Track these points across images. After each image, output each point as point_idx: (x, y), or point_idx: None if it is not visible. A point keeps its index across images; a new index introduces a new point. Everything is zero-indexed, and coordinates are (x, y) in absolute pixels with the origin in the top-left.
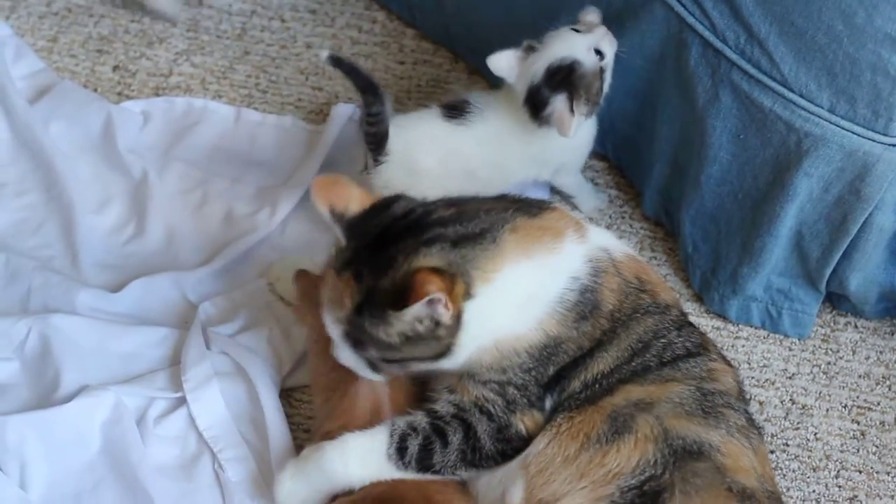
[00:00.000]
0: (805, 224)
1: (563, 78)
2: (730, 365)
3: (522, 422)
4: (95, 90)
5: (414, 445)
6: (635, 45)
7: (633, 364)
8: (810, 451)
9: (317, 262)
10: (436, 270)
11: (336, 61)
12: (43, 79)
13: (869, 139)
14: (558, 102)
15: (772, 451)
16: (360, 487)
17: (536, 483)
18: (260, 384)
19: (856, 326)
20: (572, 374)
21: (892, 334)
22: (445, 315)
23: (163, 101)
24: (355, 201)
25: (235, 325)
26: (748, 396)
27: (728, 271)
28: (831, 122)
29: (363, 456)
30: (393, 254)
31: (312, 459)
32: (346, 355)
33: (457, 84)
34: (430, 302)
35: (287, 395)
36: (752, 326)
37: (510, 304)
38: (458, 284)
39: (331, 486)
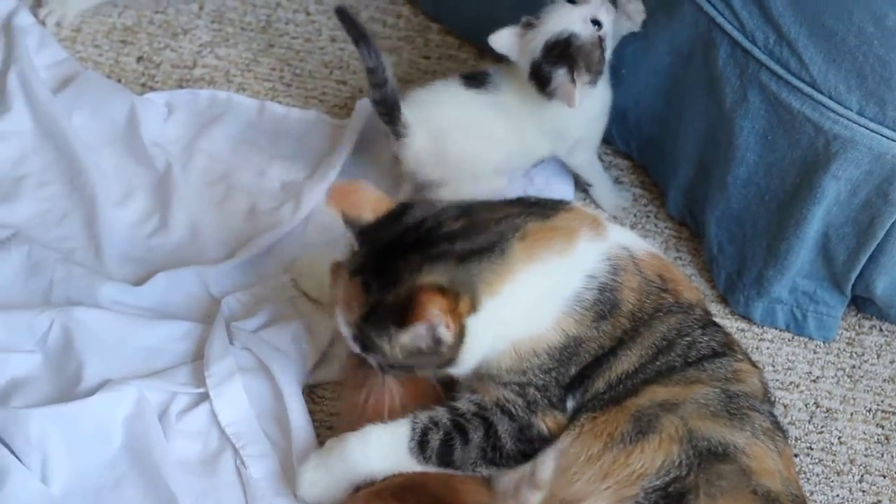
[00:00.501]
0: (832, 227)
1: (562, 52)
2: (755, 366)
3: (544, 422)
4: (119, 81)
5: (435, 440)
6: (665, 43)
7: (658, 363)
8: (834, 455)
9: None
10: (440, 289)
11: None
12: (66, 69)
13: None
14: (559, 76)
15: (795, 455)
16: (383, 478)
17: (559, 483)
18: (283, 380)
19: (881, 330)
20: (595, 374)
21: None
22: (446, 334)
23: (187, 94)
24: (369, 208)
25: (259, 321)
26: (773, 398)
27: (753, 273)
28: (860, 125)
29: (385, 448)
30: (399, 268)
31: (335, 451)
32: (356, 349)
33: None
34: (432, 324)
35: (310, 392)
36: (776, 329)
37: (521, 310)
38: (461, 302)
39: (352, 477)
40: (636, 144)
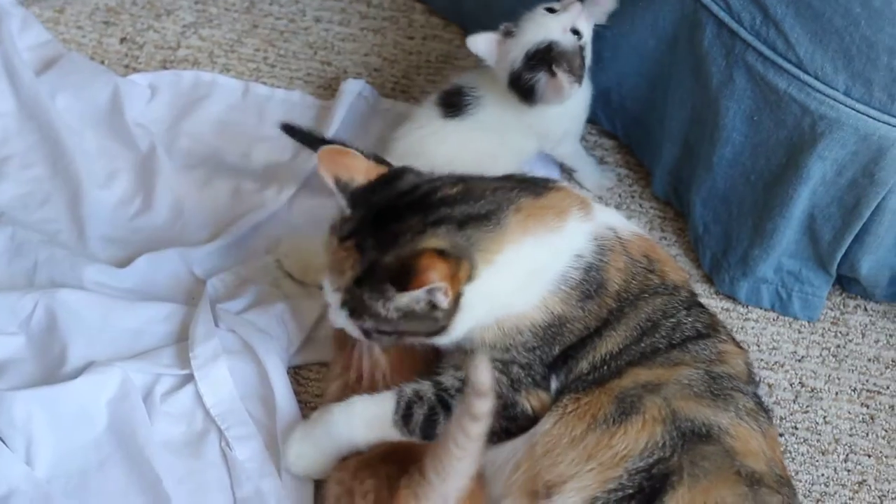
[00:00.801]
0: (817, 207)
1: (542, 58)
2: (740, 347)
3: (528, 401)
4: (102, 62)
5: (419, 414)
6: (648, 25)
7: (643, 345)
8: (819, 434)
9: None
10: (441, 253)
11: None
12: (49, 50)
13: (884, 122)
14: (542, 78)
15: (781, 435)
16: (369, 448)
17: (543, 464)
18: (268, 362)
19: (865, 309)
20: (579, 355)
21: None
22: (443, 300)
23: (170, 75)
24: (361, 173)
25: (243, 302)
26: (758, 379)
27: (739, 253)
28: (846, 105)
29: (369, 419)
30: (398, 231)
31: (320, 422)
32: (340, 320)
33: (465, 61)
34: (431, 288)
35: (295, 373)
36: (761, 308)
37: (511, 284)
38: (462, 268)
39: (338, 449)
40: (621, 124)
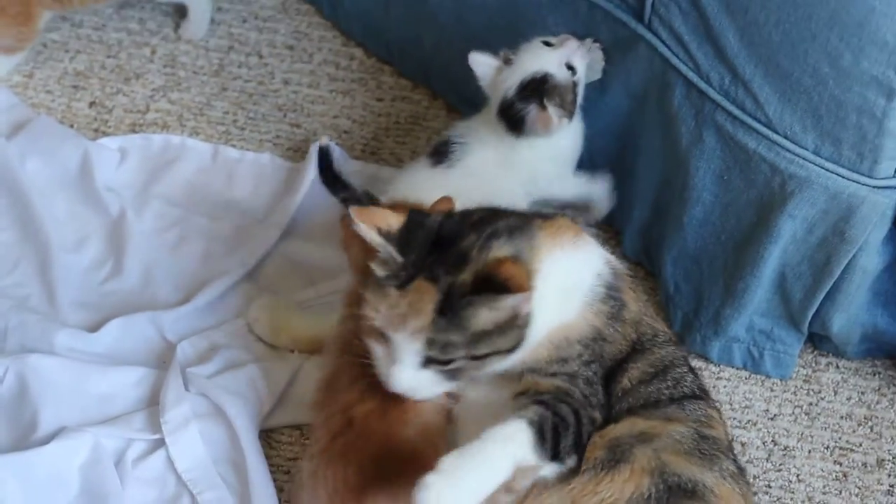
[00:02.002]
0: (788, 265)
1: (535, 88)
2: (722, 417)
3: (593, 417)
4: (72, 126)
5: (548, 431)
6: (619, 84)
7: (650, 389)
8: (793, 492)
9: (297, 304)
10: (514, 260)
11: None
12: (18, 114)
13: (854, 181)
14: (532, 110)
15: (754, 493)
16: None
17: (529, 502)
18: (239, 426)
19: (837, 367)
20: (608, 386)
21: (874, 375)
22: (527, 307)
23: (140, 138)
24: (393, 220)
25: (214, 366)
26: (733, 448)
27: (710, 312)
28: (816, 164)
29: (511, 451)
30: (463, 250)
31: (466, 457)
32: (408, 375)
33: (434, 122)
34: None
35: (267, 436)
36: (733, 367)
37: (554, 293)
38: (529, 273)
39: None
40: None
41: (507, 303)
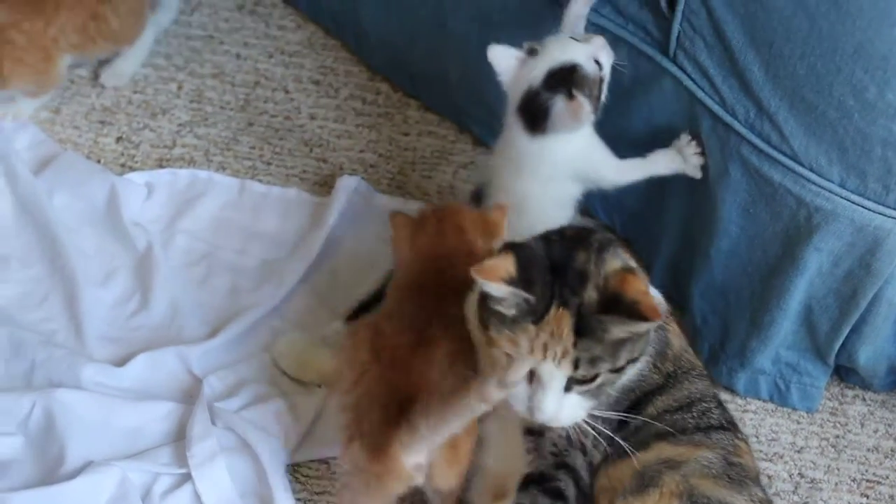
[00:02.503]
0: (814, 298)
1: (564, 77)
2: (751, 451)
3: (593, 461)
4: (99, 162)
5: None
6: (644, 119)
7: (676, 417)
8: None
9: (322, 339)
10: (628, 270)
11: None
12: (45, 150)
13: (880, 213)
14: (559, 101)
15: None
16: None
17: None
18: (266, 460)
19: (864, 399)
20: (633, 413)
21: None
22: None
23: (167, 173)
24: (508, 264)
25: (241, 400)
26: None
27: (737, 344)
28: (842, 197)
29: None
30: (579, 268)
31: None
32: (555, 402)
33: (460, 156)
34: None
35: (294, 471)
36: (760, 400)
37: None
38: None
39: None
40: (619, 219)
41: (639, 327)
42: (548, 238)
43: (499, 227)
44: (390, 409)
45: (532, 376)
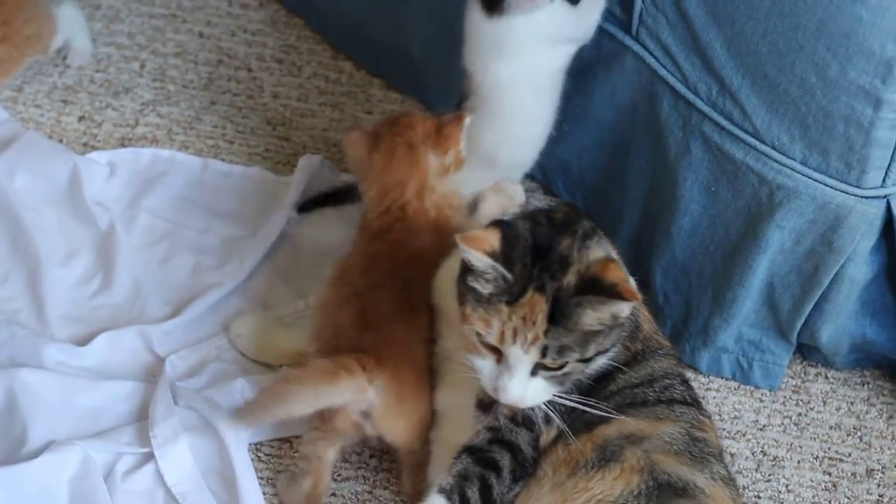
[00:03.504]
0: (777, 276)
1: None
2: (713, 425)
3: (544, 434)
4: (61, 141)
5: (474, 492)
6: (606, 97)
7: (636, 391)
8: (782, 503)
9: (280, 319)
10: (611, 260)
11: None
12: (7, 129)
13: (842, 191)
14: None
15: None
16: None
17: None
18: (229, 440)
19: (826, 377)
20: (596, 389)
21: (863, 385)
22: (626, 307)
23: (129, 152)
24: (493, 238)
25: (203, 379)
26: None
27: (699, 323)
28: (804, 175)
29: None
30: (562, 254)
31: None
32: (520, 386)
33: None
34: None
35: (256, 450)
36: (722, 378)
37: None
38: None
39: None
40: (581, 196)
41: (616, 308)
42: (535, 220)
43: (452, 140)
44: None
45: (500, 357)
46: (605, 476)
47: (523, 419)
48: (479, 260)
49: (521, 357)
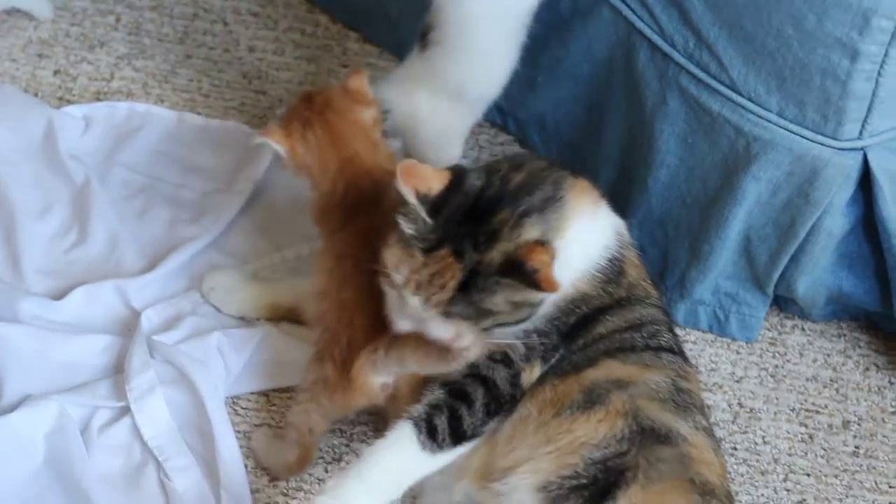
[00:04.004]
0: (753, 228)
1: None
2: (697, 377)
3: (527, 372)
4: (36, 95)
5: (442, 421)
6: (582, 49)
7: (625, 336)
8: (759, 454)
9: (253, 273)
10: (542, 244)
11: None
12: None
13: (818, 143)
14: None
15: None
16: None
17: (502, 450)
18: (205, 393)
19: (803, 329)
20: (582, 330)
21: (840, 337)
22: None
23: (104, 106)
24: (436, 181)
25: (180, 333)
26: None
27: (676, 275)
28: (780, 127)
29: (397, 458)
30: (494, 227)
31: (350, 476)
32: (408, 326)
33: None
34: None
35: (233, 404)
36: (699, 330)
37: (564, 262)
38: (553, 254)
39: (378, 500)
40: (557, 149)
41: (531, 295)
42: (490, 179)
43: (361, 93)
44: (366, 332)
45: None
46: (589, 418)
47: (502, 356)
48: (408, 196)
49: (419, 310)
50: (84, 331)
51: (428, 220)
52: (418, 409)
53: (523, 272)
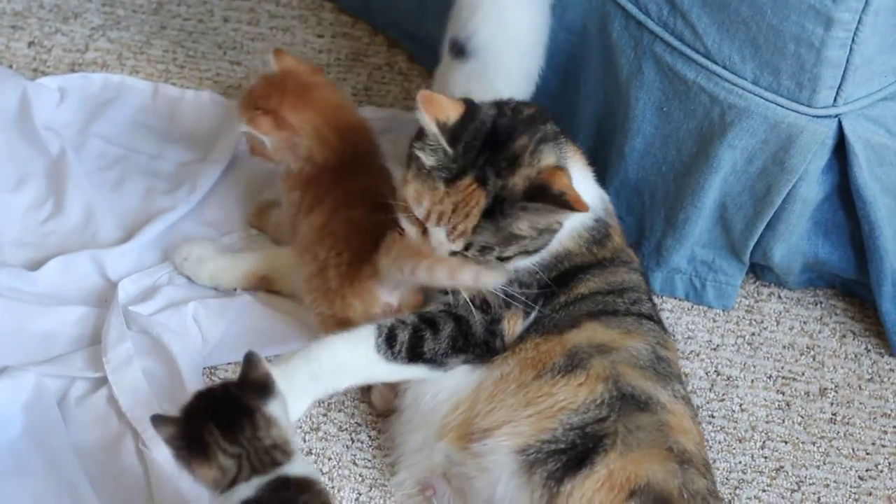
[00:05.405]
0: (729, 196)
1: None
2: (675, 347)
3: (508, 322)
4: (10, 66)
5: (404, 335)
6: (557, 18)
7: (608, 298)
8: (736, 422)
9: (228, 246)
10: (560, 169)
11: None
12: None
13: (793, 111)
14: None
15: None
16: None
17: (482, 409)
18: (182, 363)
19: (779, 297)
20: (564, 288)
21: (816, 305)
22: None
23: (79, 78)
24: (453, 112)
25: (156, 304)
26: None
27: (652, 244)
28: (755, 94)
29: (350, 350)
30: (515, 152)
31: (299, 356)
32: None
33: (375, 58)
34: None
35: (210, 374)
36: (676, 298)
37: None
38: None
39: (316, 384)
40: None
41: (561, 216)
42: (501, 109)
43: (311, 65)
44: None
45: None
46: (569, 382)
47: (481, 302)
48: (429, 125)
49: (444, 242)
50: (60, 302)
51: (449, 149)
52: (387, 321)
53: (551, 195)
